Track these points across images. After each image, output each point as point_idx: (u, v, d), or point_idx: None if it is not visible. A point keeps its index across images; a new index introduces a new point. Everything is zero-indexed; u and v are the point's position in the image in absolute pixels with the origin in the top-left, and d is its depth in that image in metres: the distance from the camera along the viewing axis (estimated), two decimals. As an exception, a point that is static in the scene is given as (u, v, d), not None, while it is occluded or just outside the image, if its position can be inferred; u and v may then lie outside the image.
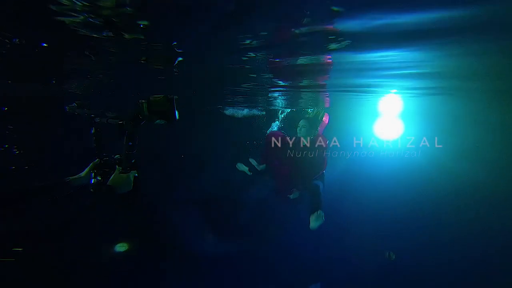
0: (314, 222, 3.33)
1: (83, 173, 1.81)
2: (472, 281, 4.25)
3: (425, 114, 5.25)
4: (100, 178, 1.78)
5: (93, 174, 1.80)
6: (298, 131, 3.78)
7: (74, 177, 1.78)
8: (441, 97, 3.77)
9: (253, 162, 3.92)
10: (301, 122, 3.76)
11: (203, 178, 4.50)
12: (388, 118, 5.43)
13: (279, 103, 4.55)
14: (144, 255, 4.18)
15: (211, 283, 4.61)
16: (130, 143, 1.64)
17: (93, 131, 1.94)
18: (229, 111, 4.47)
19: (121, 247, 4.09)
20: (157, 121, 1.57)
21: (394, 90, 3.01)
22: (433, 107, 4.89)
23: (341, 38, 1.68)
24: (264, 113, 4.79)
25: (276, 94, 3.69)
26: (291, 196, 3.57)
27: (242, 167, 3.96)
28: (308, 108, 5.05)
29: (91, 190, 1.82)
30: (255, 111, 4.66)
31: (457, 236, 4.49)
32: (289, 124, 4.43)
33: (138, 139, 1.65)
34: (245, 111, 4.57)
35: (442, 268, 4.49)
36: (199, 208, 4.53)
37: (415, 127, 5.17)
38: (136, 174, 1.80)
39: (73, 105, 2.06)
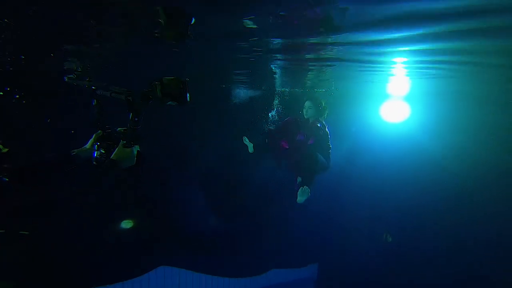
0: (300, 196, 3.47)
1: (87, 145, 1.81)
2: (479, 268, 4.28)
3: (436, 95, 5.12)
4: (103, 151, 1.78)
5: (96, 146, 1.80)
6: (304, 112, 3.71)
7: (79, 149, 1.79)
8: (453, 76, 3.64)
9: (246, 141, 3.88)
10: (307, 103, 3.69)
11: (206, 155, 4.50)
12: (395, 100, 5.36)
13: (282, 82, 4.44)
14: (146, 232, 4.28)
15: (211, 260, 4.80)
16: (136, 119, 1.63)
17: (94, 102, 1.92)
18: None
19: (126, 224, 4.12)
20: (169, 102, 1.57)
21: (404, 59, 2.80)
22: (444, 88, 4.76)
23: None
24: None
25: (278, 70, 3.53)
26: (298, 193, 3.53)
27: (247, 142, 3.91)
28: (315, 89, 4.95)
29: (94, 163, 1.84)
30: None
31: (466, 224, 4.42)
32: (293, 106, 4.37)
33: (143, 115, 1.65)
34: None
35: (443, 257, 4.54)
36: (201, 184, 4.59)
37: (423, 110, 5.11)
38: (139, 149, 1.81)
39: (71, 76, 2.02)
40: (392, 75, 3.80)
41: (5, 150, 1.32)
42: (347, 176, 5.27)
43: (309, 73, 3.66)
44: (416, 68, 3.37)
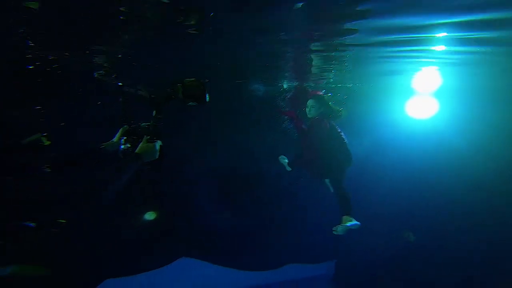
0: (341, 227, 3.33)
1: (115, 139, 1.96)
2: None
3: (467, 91, 4.85)
4: (129, 145, 1.92)
5: (122, 140, 1.95)
6: (307, 112, 3.62)
7: (107, 143, 1.95)
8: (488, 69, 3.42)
9: (282, 161, 3.92)
10: (310, 102, 3.60)
11: (223, 150, 4.61)
12: (423, 96, 5.14)
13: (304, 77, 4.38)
14: (168, 224, 4.45)
15: (228, 253, 4.97)
16: (159, 116, 1.75)
17: (121, 99, 2.06)
18: None
19: (149, 216, 4.28)
20: (190, 103, 1.68)
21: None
22: (477, 83, 4.49)
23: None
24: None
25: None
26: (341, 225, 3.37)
27: (283, 160, 3.95)
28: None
29: (120, 156, 1.99)
30: None
31: (495, 225, 4.24)
32: (295, 104, 4.33)
33: (166, 112, 1.76)
34: None
35: (466, 257, 4.40)
36: (219, 179, 4.72)
37: (453, 106, 4.89)
38: (161, 144, 1.93)
39: (101, 72, 2.17)
40: (424, 65, 3.66)
41: (48, 143, 1.47)
42: (368, 173, 5.19)
43: (332, 65, 3.57)
44: (450, 59, 3.22)
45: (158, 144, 1.88)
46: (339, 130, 3.58)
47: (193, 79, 1.69)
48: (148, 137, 1.84)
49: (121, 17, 1.67)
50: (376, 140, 5.28)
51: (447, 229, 4.75)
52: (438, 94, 5.04)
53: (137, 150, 1.80)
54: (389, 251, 5.00)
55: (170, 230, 4.41)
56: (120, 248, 4.12)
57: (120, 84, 2.04)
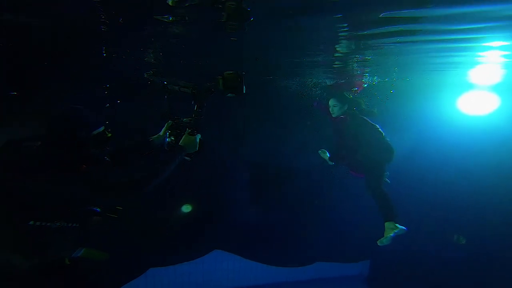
0: (384, 239, 3.19)
1: (161, 133, 2.23)
2: None
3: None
4: (173, 138, 2.18)
5: (167, 134, 2.21)
6: (331, 111, 3.60)
7: (155, 136, 2.23)
8: None
9: (324, 155, 3.90)
10: (331, 102, 3.58)
11: (255, 145, 4.75)
12: (479, 90, 4.73)
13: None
14: (203, 216, 4.67)
15: (256, 251, 5.12)
16: (200, 110, 1.96)
17: (167, 96, 2.33)
18: None
19: (186, 208, 4.56)
20: (228, 94, 1.86)
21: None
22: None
23: None
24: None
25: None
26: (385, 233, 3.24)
27: (324, 154, 3.91)
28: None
29: (166, 148, 2.25)
30: None
31: None
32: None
33: (206, 106, 1.96)
34: None
35: None
36: (252, 174, 4.89)
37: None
38: (201, 137, 2.15)
39: (150, 72, 2.47)
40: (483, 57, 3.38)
41: (109, 135, 1.76)
42: (411, 172, 4.94)
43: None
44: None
45: (198, 137, 2.10)
46: (375, 125, 3.49)
47: (231, 71, 1.86)
48: (190, 130, 2.07)
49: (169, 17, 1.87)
50: (425, 137, 5.00)
51: (499, 237, 4.34)
52: (498, 89, 4.60)
53: (180, 143, 2.04)
54: (431, 254, 4.71)
55: (205, 222, 4.67)
56: (161, 239, 4.49)
57: (165, 82, 2.30)
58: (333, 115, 3.63)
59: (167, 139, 2.18)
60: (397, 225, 3.31)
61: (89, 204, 1.80)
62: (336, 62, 3.59)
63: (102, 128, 1.75)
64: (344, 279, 5.65)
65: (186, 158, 2.12)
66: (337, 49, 2.98)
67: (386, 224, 3.35)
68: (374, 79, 4.68)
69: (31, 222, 1.56)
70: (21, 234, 1.59)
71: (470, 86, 4.77)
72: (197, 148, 2.10)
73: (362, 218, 4.80)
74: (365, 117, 3.54)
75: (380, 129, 3.49)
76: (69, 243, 1.85)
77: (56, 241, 1.72)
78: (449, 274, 4.59)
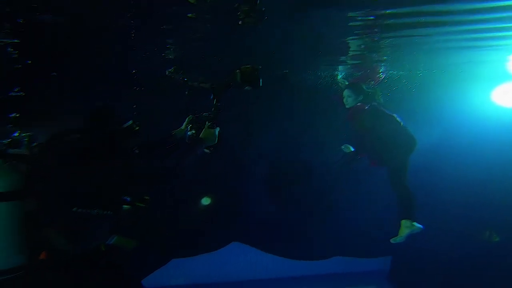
0: (398, 238, 3.22)
1: (182, 127, 2.42)
2: None
3: None
4: (194, 132, 2.36)
5: (188, 128, 2.39)
6: (345, 102, 3.59)
7: (177, 130, 2.43)
8: None
9: (347, 149, 3.93)
10: (346, 92, 3.57)
11: (273, 138, 4.79)
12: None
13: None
14: (222, 208, 4.80)
15: (272, 244, 5.23)
16: (219, 104, 2.12)
17: (187, 92, 2.52)
18: None
19: (206, 200, 4.72)
20: (246, 87, 2.01)
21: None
22: None
23: None
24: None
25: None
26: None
27: (348, 148, 3.91)
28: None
29: (187, 141, 2.44)
30: None
31: None
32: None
33: (224, 100, 2.12)
34: None
35: None
36: (267, 167, 4.99)
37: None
38: (219, 130, 2.31)
39: (171, 69, 2.67)
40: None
41: (137, 128, 1.97)
42: (438, 168, 4.84)
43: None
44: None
45: (217, 130, 2.26)
46: (392, 114, 3.46)
47: (248, 65, 2.01)
48: (209, 124, 2.23)
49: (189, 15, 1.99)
50: (455, 132, 4.86)
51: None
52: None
53: (200, 135, 2.21)
54: (456, 253, 4.60)
55: (223, 215, 4.83)
56: (182, 231, 4.74)
57: (185, 79, 2.48)
58: (347, 106, 3.65)
59: (189, 133, 2.37)
60: (414, 223, 3.27)
61: (121, 193, 2.01)
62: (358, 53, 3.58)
63: (130, 122, 1.96)
64: (363, 274, 5.65)
65: (206, 150, 2.29)
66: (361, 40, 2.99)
67: (403, 222, 3.32)
68: (394, 72, 4.61)
69: (74, 209, 1.77)
70: (66, 220, 1.79)
71: (507, 77, 4.55)
72: (216, 141, 2.26)
73: (383, 213, 4.78)
74: (381, 107, 3.54)
75: (398, 119, 3.46)
76: (105, 230, 2.02)
77: (95, 228, 1.93)
78: (474, 274, 4.47)
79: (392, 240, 3.29)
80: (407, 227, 3.25)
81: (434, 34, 2.81)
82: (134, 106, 2.55)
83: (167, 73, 2.51)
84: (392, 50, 3.31)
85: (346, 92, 3.63)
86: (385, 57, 3.81)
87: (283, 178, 4.99)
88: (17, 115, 2.30)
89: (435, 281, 4.82)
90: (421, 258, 4.89)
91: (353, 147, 3.98)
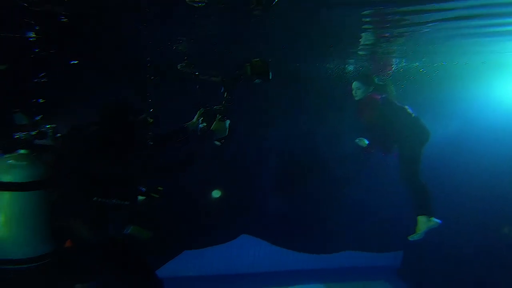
0: (416, 235, 3.16)
1: (194, 119, 2.50)
2: None
3: None
4: (205, 124, 2.44)
5: (200, 120, 2.48)
6: (354, 94, 3.59)
7: (189, 123, 2.51)
8: None
9: (362, 143, 3.91)
10: (355, 84, 3.56)
11: (284, 132, 4.79)
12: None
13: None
14: (231, 200, 4.86)
15: (282, 237, 5.26)
16: (229, 97, 2.18)
17: (198, 86, 2.59)
18: None
19: (215, 194, 4.80)
20: (256, 80, 2.06)
21: None
22: None
23: None
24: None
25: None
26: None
27: (362, 141, 3.90)
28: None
29: (199, 134, 2.52)
30: None
31: None
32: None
33: (235, 93, 2.18)
34: None
35: None
36: (279, 160, 5.01)
37: None
38: (229, 122, 2.38)
39: (183, 64, 2.73)
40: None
41: (151, 120, 2.06)
42: (457, 162, 4.76)
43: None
44: None
45: (227, 122, 2.33)
46: (403, 106, 3.44)
47: (258, 59, 2.06)
48: (220, 116, 2.31)
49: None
50: (476, 126, 4.76)
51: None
52: None
53: (211, 128, 2.29)
54: (473, 248, 4.54)
55: (233, 208, 4.89)
56: (194, 223, 4.86)
57: (196, 73, 2.55)
58: (356, 98, 3.64)
59: (200, 125, 2.45)
60: (432, 219, 3.22)
61: (137, 183, 2.11)
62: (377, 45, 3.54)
63: (145, 115, 2.05)
64: (373, 269, 5.64)
65: (217, 142, 2.37)
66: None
67: (419, 218, 3.27)
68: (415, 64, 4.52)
69: (95, 198, 1.88)
70: (88, 209, 1.91)
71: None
72: (227, 133, 2.34)
73: (396, 207, 4.77)
74: (392, 99, 3.52)
75: (409, 110, 3.44)
76: (122, 220, 2.14)
77: (114, 217, 2.03)
78: (490, 270, 4.41)
79: (409, 238, 3.25)
80: (424, 223, 3.20)
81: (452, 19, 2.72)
82: (149, 100, 2.64)
83: (179, 67, 2.57)
84: (406, 40, 3.25)
85: (355, 84, 3.62)
86: (396, 48, 3.75)
87: (295, 171, 5.01)
88: (43, 105, 2.41)
89: (448, 278, 4.78)
90: (434, 254, 4.85)
91: (368, 140, 3.96)
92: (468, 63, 4.54)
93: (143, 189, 2.22)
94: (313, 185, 5.00)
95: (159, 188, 2.37)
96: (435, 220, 3.21)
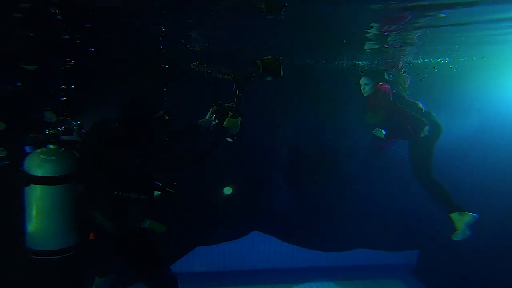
0: (458, 234, 3.08)
1: (207, 116, 2.61)
2: None
3: None
4: (218, 121, 2.55)
5: (213, 117, 2.59)
6: (362, 90, 3.63)
7: (202, 119, 2.63)
8: None
9: (379, 134, 3.86)
10: (363, 80, 3.59)
11: (295, 129, 4.83)
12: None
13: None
14: (242, 197, 4.96)
15: (292, 234, 5.31)
16: (241, 94, 2.28)
17: (211, 84, 2.69)
18: None
19: (227, 190, 4.90)
20: (267, 78, 2.15)
21: None
22: None
23: None
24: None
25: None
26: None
27: (380, 133, 3.84)
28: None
29: (211, 130, 2.64)
30: None
31: None
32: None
33: (246, 90, 2.28)
34: None
35: None
36: (290, 156, 4.99)
37: None
38: (241, 119, 2.47)
39: (195, 62, 2.85)
40: None
41: (167, 117, 2.19)
42: (476, 158, 4.68)
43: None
44: None
45: (239, 119, 2.43)
46: (414, 101, 3.44)
47: (270, 56, 2.14)
48: (232, 113, 2.41)
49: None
50: (493, 123, 4.68)
51: None
52: None
53: (224, 124, 2.40)
54: (493, 252, 4.46)
55: (245, 204, 4.99)
56: (206, 219, 4.99)
57: (209, 71, 2.66)
58: (365, 94, 3.66)
59: (213, 122, 2.56)
60: (465, 213, 3.15)
61: (154, 178, 2.25)
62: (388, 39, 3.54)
63: (161, 112, 2.18)
64: (388, 268, 5.63)
65: (229, 139, 2.48)
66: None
67: (452, 216, 3.22)
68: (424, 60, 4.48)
69: (116, 192, 2.02)
70: (110, 202, 2.05)
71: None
72: (239, 130, 2.44)
73: (411, 204, 4.75)
74: (402, 94, 3.53)
75: (421, 105, 3.44)
76: (141, 214, 2.23)
77: (133, 211, 2.16)
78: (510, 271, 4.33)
79: (453, 237, 3.19)
80: (459, 220, 3.15)
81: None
82: (165, 98, 2.78)
83: (192, 66, 2.69)
84: (423, 35, 3.25)
85: (363, 80, 3.64)
86: (411, 41, 3.73)
87: (307, 168, 5.06)
88: (69, 103, 2.57)
89: (466, 279, 4.72)
90: (453, 253, 4.79)
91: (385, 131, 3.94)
92: (487, 58, 4.46)
93: (160, 184, 2.35)
94: (325, 181, 5.02)
95: (174, 183, 2.51)
96: (470, 214, 3.13)
